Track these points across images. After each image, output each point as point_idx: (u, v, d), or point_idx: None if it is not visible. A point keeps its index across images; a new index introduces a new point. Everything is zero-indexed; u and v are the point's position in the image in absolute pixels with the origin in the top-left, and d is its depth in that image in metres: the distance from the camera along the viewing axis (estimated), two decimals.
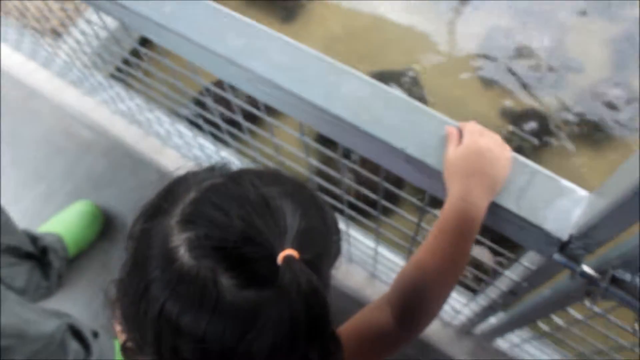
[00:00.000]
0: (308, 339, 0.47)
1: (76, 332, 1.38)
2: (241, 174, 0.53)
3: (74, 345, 1.33)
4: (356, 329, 0.67)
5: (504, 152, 0.63)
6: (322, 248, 0.52)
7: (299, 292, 0.45)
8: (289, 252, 0.46)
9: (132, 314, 0.51)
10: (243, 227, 0.47)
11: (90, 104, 1.61)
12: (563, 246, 0.61)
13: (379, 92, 0.68)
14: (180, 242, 0.47)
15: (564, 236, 0.60)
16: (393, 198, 1.09)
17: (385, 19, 1.92)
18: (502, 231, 0.67)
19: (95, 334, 1.43)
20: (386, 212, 1.00)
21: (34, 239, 1.49)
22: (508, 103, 1.77)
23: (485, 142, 0.62)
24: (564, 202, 0.61)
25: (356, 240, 1.30)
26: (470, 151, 0.62)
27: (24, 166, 1.73)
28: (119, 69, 1.30)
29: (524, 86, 1.78)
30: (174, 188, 0.52)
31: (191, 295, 0.47)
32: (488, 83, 1.80)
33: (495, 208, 0.63)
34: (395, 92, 0.68)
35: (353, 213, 1.11)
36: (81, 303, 1.55)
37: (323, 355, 0.52)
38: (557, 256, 0.62)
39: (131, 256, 0.51)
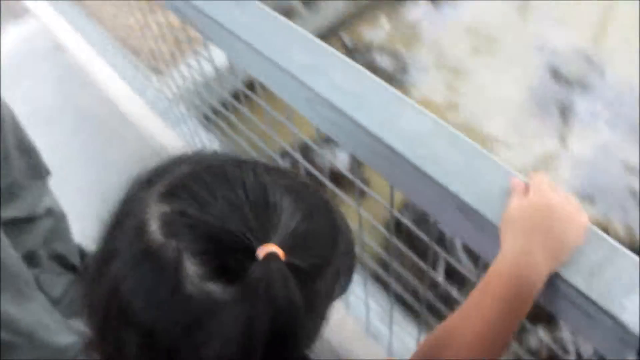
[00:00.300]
0: (266, 356, 0.37)
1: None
2: (247, 160, 0.47)
3: None
4: None
5: (579, 216, 0.51)
6: (322, 260, 0.43)
7: (267, 294, 0.37)
8: (272, 248, 0.38)
9: (89, 293, 0.44)
10: (226, 210, 0.40)
11: (171, 138, 1.66)
12: None
13: (441, 129, 0.61)
14: (155, 215, 0.41)
15: None
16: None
17: (484, 137, 1.83)
18: (563, 318, 0.53)
19: None
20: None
21: (83, 254, 1.49)
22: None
23: (558, 199, 0.51)
24: None
25: (399, 327, 1.16)
26: (538, 205, 0.51)
27: (100, 186, 1.79)
28: (214, 110, 1.33)
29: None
30: (170, 162, 0.47)
31: (148, 277, 0.40)
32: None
33: (557, 282, 0.50)
34: (458, 133, 0.60)
35: (399, 289, 0.99)
36: None
37: None
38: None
39: (105, 228, 0.45)
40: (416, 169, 0.59)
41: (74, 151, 1.86)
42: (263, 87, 0.80)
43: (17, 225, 1.20)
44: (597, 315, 0.49)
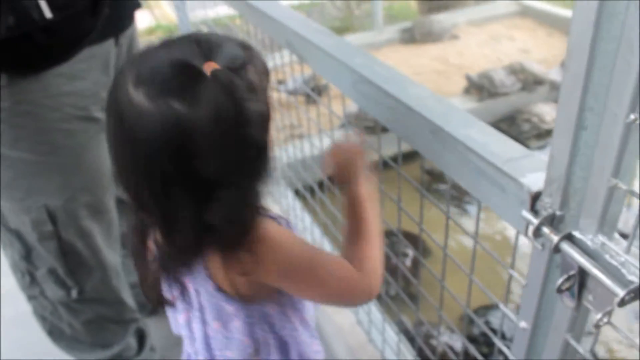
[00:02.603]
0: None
1: (141, 336, 1.49)
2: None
3: (132, 342, 1.44)
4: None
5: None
6: (256, 86, 0.63)
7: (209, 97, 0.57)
8: (214, 65, 0.57)
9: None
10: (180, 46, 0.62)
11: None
12: (533, 201, 0.60)
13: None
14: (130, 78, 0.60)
15: (535, 188, 0.60)
16: None
17: None
18: (482, 194, 0.69)
19: None
20: None
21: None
22: None
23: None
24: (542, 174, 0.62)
25: None
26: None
27: None
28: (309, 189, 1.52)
29: None
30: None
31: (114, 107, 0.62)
32: None
33: (482, 167, 0.67)
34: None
35: None
36: None
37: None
38: (524, 213, 0.60)
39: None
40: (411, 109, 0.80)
41: None
42: None
43: (120, 206, 1.44)
44: (505, 183, 0.64)
